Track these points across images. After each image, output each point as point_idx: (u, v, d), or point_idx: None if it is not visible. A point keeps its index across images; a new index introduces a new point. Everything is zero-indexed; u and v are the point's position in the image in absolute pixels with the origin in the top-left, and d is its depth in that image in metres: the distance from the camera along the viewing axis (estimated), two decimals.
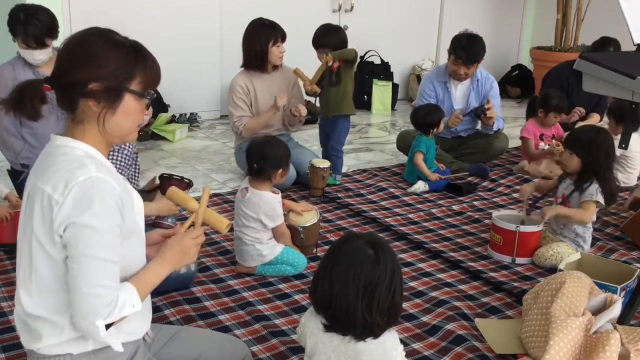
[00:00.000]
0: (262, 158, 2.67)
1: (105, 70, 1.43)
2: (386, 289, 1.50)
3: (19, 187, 3.28)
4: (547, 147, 4.26)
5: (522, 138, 4.33)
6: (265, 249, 2.71)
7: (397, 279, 1.53)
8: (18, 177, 3.30)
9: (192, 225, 1.74)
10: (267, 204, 2.67)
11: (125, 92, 1.45)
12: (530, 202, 3.21)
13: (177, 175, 2.54)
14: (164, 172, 2.56)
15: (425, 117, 3.96)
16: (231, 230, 2.74)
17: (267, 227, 2.70)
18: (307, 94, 3.90)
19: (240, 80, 3.86)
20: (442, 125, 3.99)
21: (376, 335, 1.54)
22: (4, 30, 3.16)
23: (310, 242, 2.91)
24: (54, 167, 1.42)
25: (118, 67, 1.44)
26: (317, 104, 4.05)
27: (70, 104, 1.47)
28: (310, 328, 1.60)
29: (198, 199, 1.75)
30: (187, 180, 2.53)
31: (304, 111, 3.83)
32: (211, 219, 1.81)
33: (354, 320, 1.50)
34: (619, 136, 3.78)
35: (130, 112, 1.48)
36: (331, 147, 3.95)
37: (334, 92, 3.82)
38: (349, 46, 3.83)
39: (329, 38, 3.80)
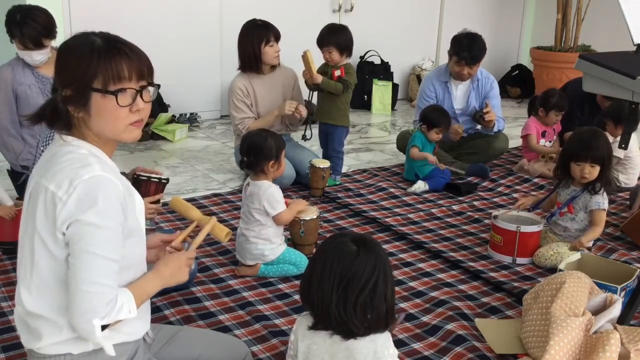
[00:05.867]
0: (252, 150, 2.71)
1: (69, 74, 1.43)
2: (363, 285, 1.47)
3: (20, 187, 3.27)
4: (548, 143, 4.27)
5: (524, 136, 4.32)
6: (268, 249, 2.72)
7: (379, 279, 1.49)
8: (18, 178, 3.29)
9: (190, 236, 1.75)
10: (266, 191, 2.70)
11: (90, 92, 1.42)
12: (526, 207, 3.21)
13: (155, 177, 2.42)
14: (140, 174, 2.42)
15: (433, 114, 3.96)
16: (235, 230, 2.75)
17: (271, 215, 2.70)
18: (306, 83, 3.90)
19: (239, 82, 3.86)
20: (436, 136, 3.98)
21: (355, 335, 1.51)
22: (3, 30, 3.16)
23: (309, 240, 2.91)
24: (58, 165, 1.43)
25: (78, 68, 1.42)
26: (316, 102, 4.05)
27: (60, 114, 1.46)
28: (302, 331, 1.60)
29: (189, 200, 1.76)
30: (164, 181, 2.45)
31: (304, 112, 3.83)
32: (214, 228, 1.81)
33: (329, 315, 1.49)
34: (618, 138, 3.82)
35: (103, 111, 1.44)
36: (332, 149, 3.97)
37: (330, 102, 3.87)
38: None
39: (332, 36, 3.81)
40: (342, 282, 1.48)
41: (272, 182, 2.77)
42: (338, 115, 3.92)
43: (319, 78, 3.76)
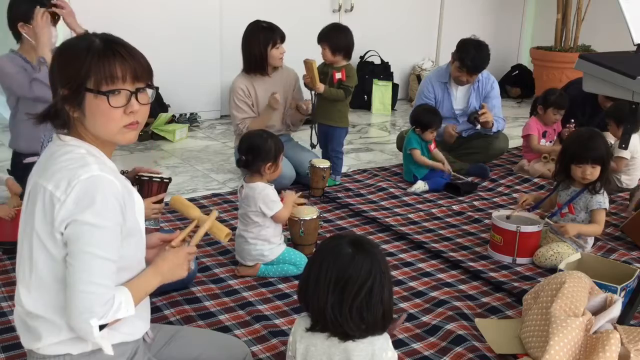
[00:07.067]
0: (250, 150, 2.70)
1: (66, 73, 1.43)
2: (358, 288, 1.47)
3: (20, 176, 3.23)
4: (548, 144, 4.26)
5: (525, 136, 4.32)
6: (267, 249, 2.72)
7: (375, 282, 1.49)
8: (19, 176, 3.26)
9: (190, 235, 1.75)
10: (261, 192, 2.69)
11: (84, 92, 1.42)
12: (530, 205, 3.21)
13: (157, 177, 2.38)
14: (142, 174, 2.38)
15: (424, 116, 3.97)
16: (234, 229, 2.75)
17: (268, 216, 2.70)
18: (306, 85, 3.90)
19: (240, 82, 3.86)
20: (431, 135, 3.99)
21: (352, 337, 1.51)
22: (3, 30, 3.16)
23: (309, 240, 2.91)
24: (56, 165, 1.43)
25: (74, 67, 1.42)
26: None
27: (59, 113, 1.47)
28: (301, 332, 1.59)
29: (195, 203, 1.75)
30: (166, 180, 2.41)
31: (310, 107, 3.84)
32: (213, 228, 1.81)
33: (325, 317, 1.49)
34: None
35: (96, 111, 1.43)
36: (332, 150, 3.97)
37: (330, 104, 3.87)
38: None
39: (329, 35, 3.81)
40: (338, 284, 1.48)
41: (271, 183, 2.76)
42: (338, 117, 3.93)
43: (321, 88, 3.77)
